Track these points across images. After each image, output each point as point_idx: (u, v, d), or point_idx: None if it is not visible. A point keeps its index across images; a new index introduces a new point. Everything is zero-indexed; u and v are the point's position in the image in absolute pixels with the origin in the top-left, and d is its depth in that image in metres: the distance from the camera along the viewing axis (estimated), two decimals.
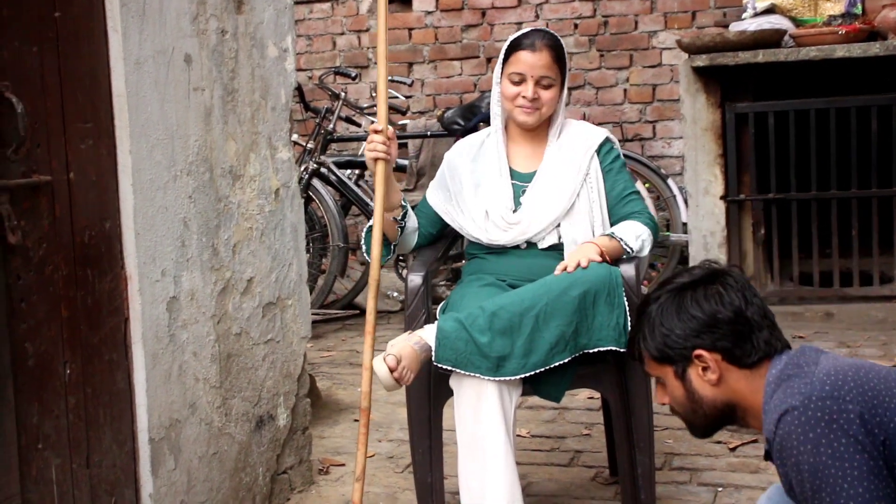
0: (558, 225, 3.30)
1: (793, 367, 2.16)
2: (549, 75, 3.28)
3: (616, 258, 3.18)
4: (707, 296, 2.25)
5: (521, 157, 3.40)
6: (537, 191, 3.32)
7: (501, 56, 3.35)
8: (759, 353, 2.22)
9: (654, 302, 2.32)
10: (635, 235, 3.22)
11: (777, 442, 2.07)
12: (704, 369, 2.25)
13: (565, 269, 3.09)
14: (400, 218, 3.33)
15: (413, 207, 3.49)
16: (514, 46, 3.31)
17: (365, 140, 3.43)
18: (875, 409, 2.01)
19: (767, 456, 2.21)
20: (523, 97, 3.28)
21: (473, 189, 3.38)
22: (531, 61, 3.27)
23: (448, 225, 3.46)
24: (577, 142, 3.36)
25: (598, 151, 3.35)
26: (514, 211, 3.32)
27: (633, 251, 3.20)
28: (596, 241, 3.18)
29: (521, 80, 3.28)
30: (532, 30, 3.36)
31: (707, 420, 2.31)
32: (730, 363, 2.23)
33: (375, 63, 7.61)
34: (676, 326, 2.26)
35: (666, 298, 2.30)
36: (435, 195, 3.47)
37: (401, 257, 6.46)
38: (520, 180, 3.36)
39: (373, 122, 6.55)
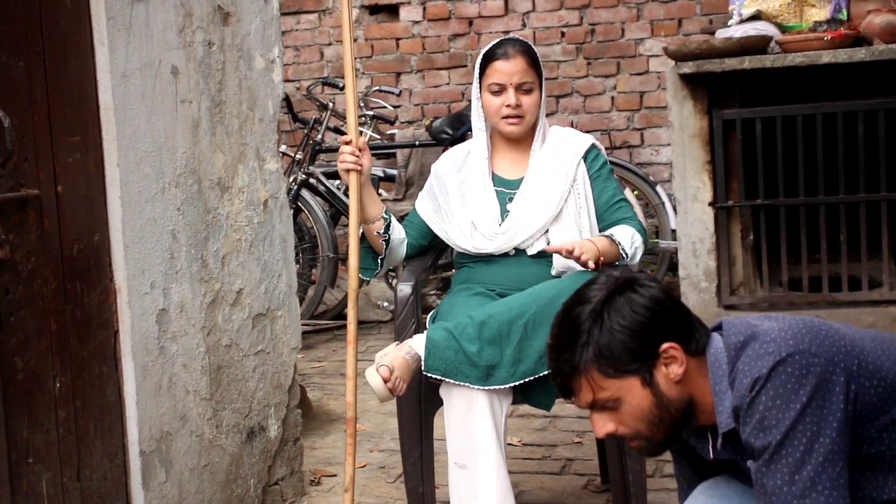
0: (546, 231, 3.30)
1: (736, 335, 2.12)
2: (528, 80, 3.29)
3: (611, 262, 3.18)
4: (642, 291, 2.12)
5: (507, 164, 3.41)
6: (524, 198, 3.33)
7: (477, 71, 3.37)
8: (702, 334, 2.15)
9: (589, 319, 2.11)
10: (630, 242, 3.22)
11: (751, 407, 2.02)
12: (668, 365, 2.11)
13: (560, 251, 3.08)
14: (382, 231, 3.32)
15: (401, 218, 3.49)
16: (488, 58, 3.33)
17: None
18: (830, 349, 2.04)
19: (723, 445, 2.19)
20: (507, 106, 3.29)
21: (460, 201, 3.38)
22: (508, 69, 3.28)
23: (437, 236, 3.46)
24: (563, 148, 3.37)
25: (585, 158, 3.36)
26: (501, 223, 3.32)
27: (627, 257, 3.20)
28: (596, 242, 3.16)
29: (501, 90, 3.30)
30: (502, 39, 3.38)
31: (672, 427, 2.15)
32: (686, 353, 2.12)
33: (363, 73, 7.63)
34: (635, 327, 2.09)
35: (604, 309, 2.11)
36: (424, 206, 3.47)
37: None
38: (506, 187, 3.37)
39: (362, 133, 6.58)
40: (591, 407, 2.16)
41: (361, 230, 3.30)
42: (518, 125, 3.31)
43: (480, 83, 3.35)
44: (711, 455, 2.24)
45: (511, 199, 3.34)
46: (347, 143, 3.22)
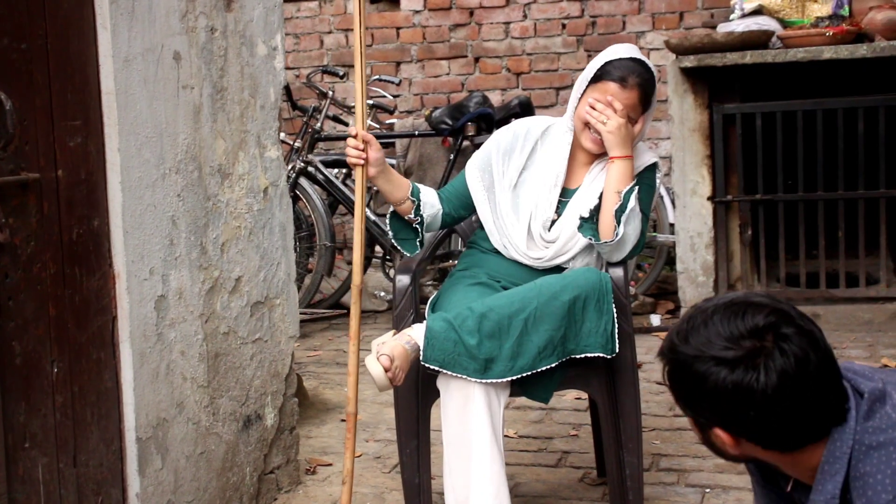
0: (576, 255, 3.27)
1: (873, 432, 1.88)
2: (632, 116, 3.17)
3: (620, 182, 3.14)
4: (760, 377, 1.85)
5: (573, 168, 3.30)
6: (571, 217, 3.25)
7: (590, 74, 3.19)
8: (801, 439, 1.91)
9: (706, 363, 1.90)
10: (636, 214, 3.16)
11: (859, 479, 1.87)
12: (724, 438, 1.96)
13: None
14: (413, 214, 3.26)
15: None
16: (606, 73, 3.15)
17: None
18: None
19: None
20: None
21: (512, 195, 3.28)
22: (619, 97, 3.13)
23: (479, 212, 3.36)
24: None
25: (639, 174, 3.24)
26: (549, 228, 3.26)
27: (625, 206, 3.12)
28: (628, 160, 3.15)
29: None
30: (628, 58, 3.17)
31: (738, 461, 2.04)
32: (757, 445, 1.93)
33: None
34: (711, 392, 1.90)
35: (712, 360, 1.90)
36: (474, 179, 3.32)
37: (387, 256, 6.46)
38: (562, 196, 3.29)
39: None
40: None
41: (392, 209, 3.27)
42: (599, 146, 3.20)
43: (586, 89, 3.20)
44: (787, 488, 2.08)
45: (558, 210, 3.28)
46: (352, 136, 3.16)
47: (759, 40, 5.50)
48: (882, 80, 5.50)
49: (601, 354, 3.03)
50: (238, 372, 3.31)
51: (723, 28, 5.77)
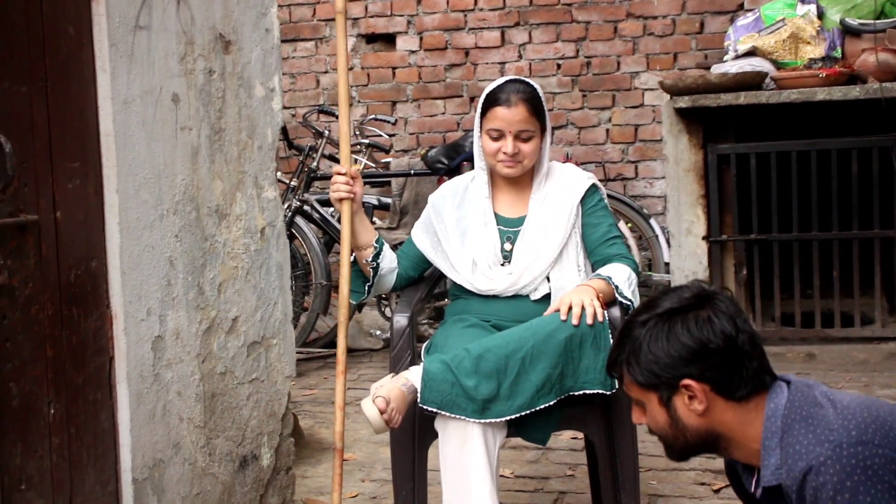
0: (547, 277, 3.29)
1: (799, 407, 2.13)
2: (528, 128, 3.26)
3: (608, 301, 3.17)
4: (697, 323, 2.18)
5: (507, 203, 3.40)
6: (527, 242, 3.31)
7: (479, 110, 3.34)
8: (748, 386, 2.18)
9: (640, 326, 2.24)
10: (628, 284, 3.18)
11: (809, 494, 2.03)
12: (691, 398, 2.19)
13: (558, 310, 3.08)
14: (371, 259, 3.32)
15: (395, 247, 3.49)
16: (490, 102, 3.28)
17: None
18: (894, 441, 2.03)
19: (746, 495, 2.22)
20: (504, 153, 3.27)
21: (460, 238, 3.37)
22: (508, 117, 3.24)
23: (429, 268, 3.46)
24: (563, 190, 3.34)
25: (583, 198, 3.34)
26: (503, 263, 3.32)
27: (627, 300, 3.16)
28: (591, 284, 3.15)
29: (499, 136, 3.26)
30: (507, 81, 3.32)
31: (688, 447, 2.26)
32: (718, 395, 2.18)
33: (359, 101, 7.65)
34: (664, 354, 2.19)
35: (654, 323, 2.22)
36: (420, 238, 3.46)
37: (383, 295, 6.46)
38: (506, 226, 3.36)
39: (356, 161, 6.59)
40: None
41: (353, 255, 3.31)
42: (514, 168, 3.29)
43: (481, 124, 3.32)
44: (752, 489, 2.28)
45: (510, 238, 3.34)
46: (340, 173, 3.23)
47: (752, 81, 5.55)
48: (875, 121, 5.53)
49: (600, 391, 3.03)
50: (234, 412, 3.31)
51: (717, 69, 5.82)
